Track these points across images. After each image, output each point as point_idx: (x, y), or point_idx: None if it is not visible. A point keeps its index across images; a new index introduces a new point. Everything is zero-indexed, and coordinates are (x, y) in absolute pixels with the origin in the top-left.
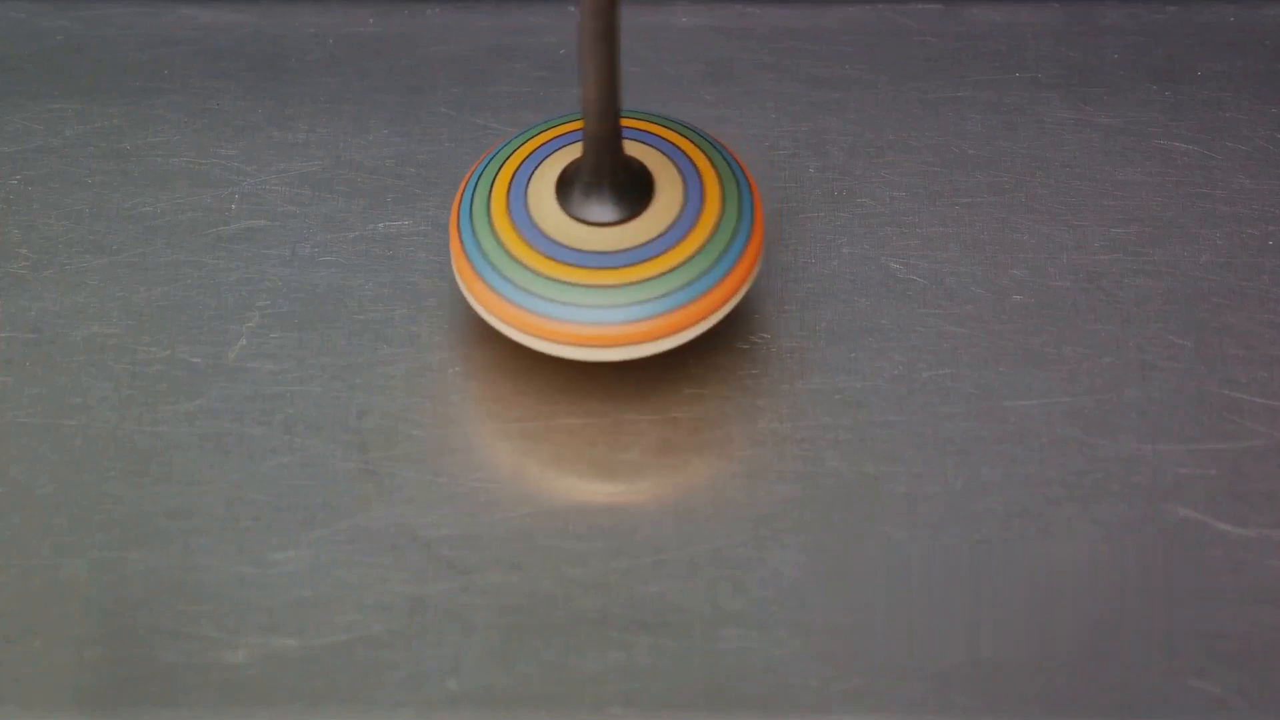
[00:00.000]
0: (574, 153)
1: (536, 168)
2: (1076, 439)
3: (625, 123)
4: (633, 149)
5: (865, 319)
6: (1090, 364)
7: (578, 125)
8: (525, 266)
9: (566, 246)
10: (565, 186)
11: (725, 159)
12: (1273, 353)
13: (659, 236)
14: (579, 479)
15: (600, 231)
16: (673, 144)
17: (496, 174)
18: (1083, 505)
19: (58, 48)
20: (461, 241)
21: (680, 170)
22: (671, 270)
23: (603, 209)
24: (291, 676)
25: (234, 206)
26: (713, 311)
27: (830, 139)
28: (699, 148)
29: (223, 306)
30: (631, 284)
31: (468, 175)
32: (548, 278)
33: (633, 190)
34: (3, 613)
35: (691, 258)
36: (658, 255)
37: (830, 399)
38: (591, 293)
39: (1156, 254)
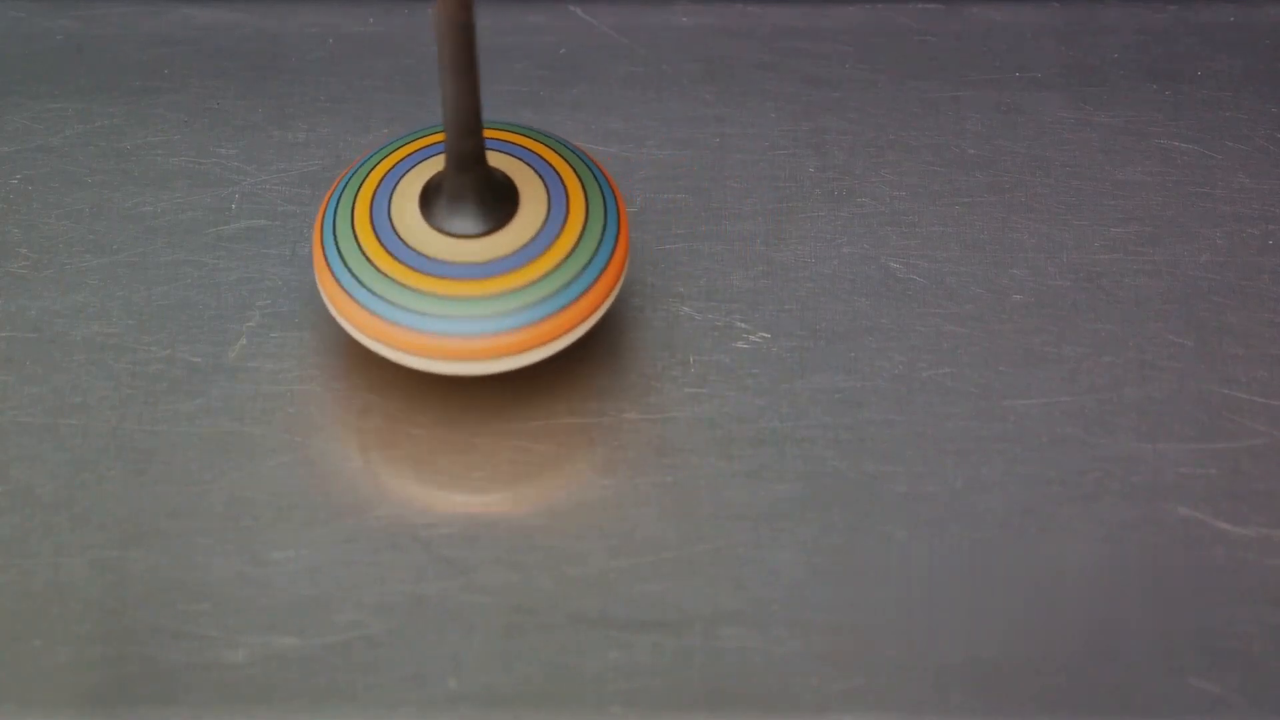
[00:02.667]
0: (438, 165)
1: (399, 181)
2: (1077, 438)
3: (489, 134)
4: (497, 160)
5: (865, 318)
6: (1090, 363)
7: (442, 137)
8: (389, 279)
9: (430, 259)
10: (429, 199)
11: (590, 169)
12: (1273, 352)
13: (522, 248)
14: (579, 478)
15: (464, 244)
16: (537, 155)
17: (359, 188)
18: (1083, 504)
19: (58, 48)
20: (325, 256)
21: (544, 181)
22: (535, 281)
23: (466, 221)
24: (292, 676)
25: (234, 206)
26: (579, 323)
27: (830, 138)
28: (564, 159)
29: (223, 306)
30: (494, 295)
31: (330, 190)
32: (411, 290)
33: (496, 202)
34: (3, 613)
35: (555, 269)
36: (521, 267)
37: (830, 398)
38: (455, 304)
39: (1157, 253)
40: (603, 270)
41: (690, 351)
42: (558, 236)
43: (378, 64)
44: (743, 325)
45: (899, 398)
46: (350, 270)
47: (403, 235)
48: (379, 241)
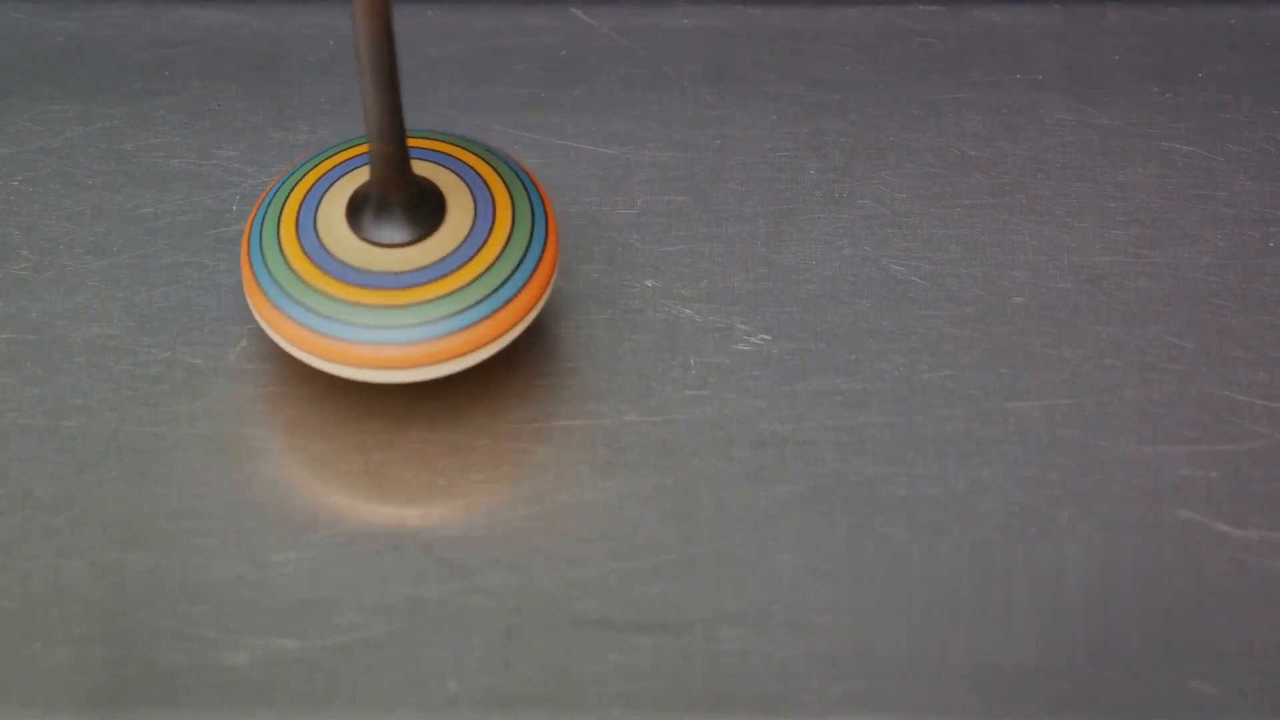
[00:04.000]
0: (366, 175)
1: (327, 191)
2: (1077, 440)
3: (415, 143)
4: (424, 169)
5: (866, 320)
6: (1091, 365)
7: (368, 148)
8: (315, 290)
9: (356, 268)
10: (355, 209)
11: (518, 175)
12: (1273, 354)
13: (449, 255)
14: (579, 479)
15: (391, 252)
16: (464, 162)
17: (286, 199)
18: (1083, 507)
19: (58, 48)
20: (252, 268)
21: (471, 188)
22: (461, 289)
23: (392, 230)
24: (292, 677)
25: (235, 208)
26: (506, 330)
27: (831, 140)
28: (491, 165)
29: (223, 308)
30: (420, 304)
31: (257, 203)
32: (337, 300)
33: (422, 210)
34: (3, 613)
35: (482, 275)
36: (448, 274)
37: (831, 400)
38: (380, 314)
39: (1157, 256)
40: (530, 277)
41: (691, 353)
42: (484, 244)
43: None
44: (743, 327)
45: (900, 400)
46: (276, 281)
47: (329, 246)
48: (304, 252)
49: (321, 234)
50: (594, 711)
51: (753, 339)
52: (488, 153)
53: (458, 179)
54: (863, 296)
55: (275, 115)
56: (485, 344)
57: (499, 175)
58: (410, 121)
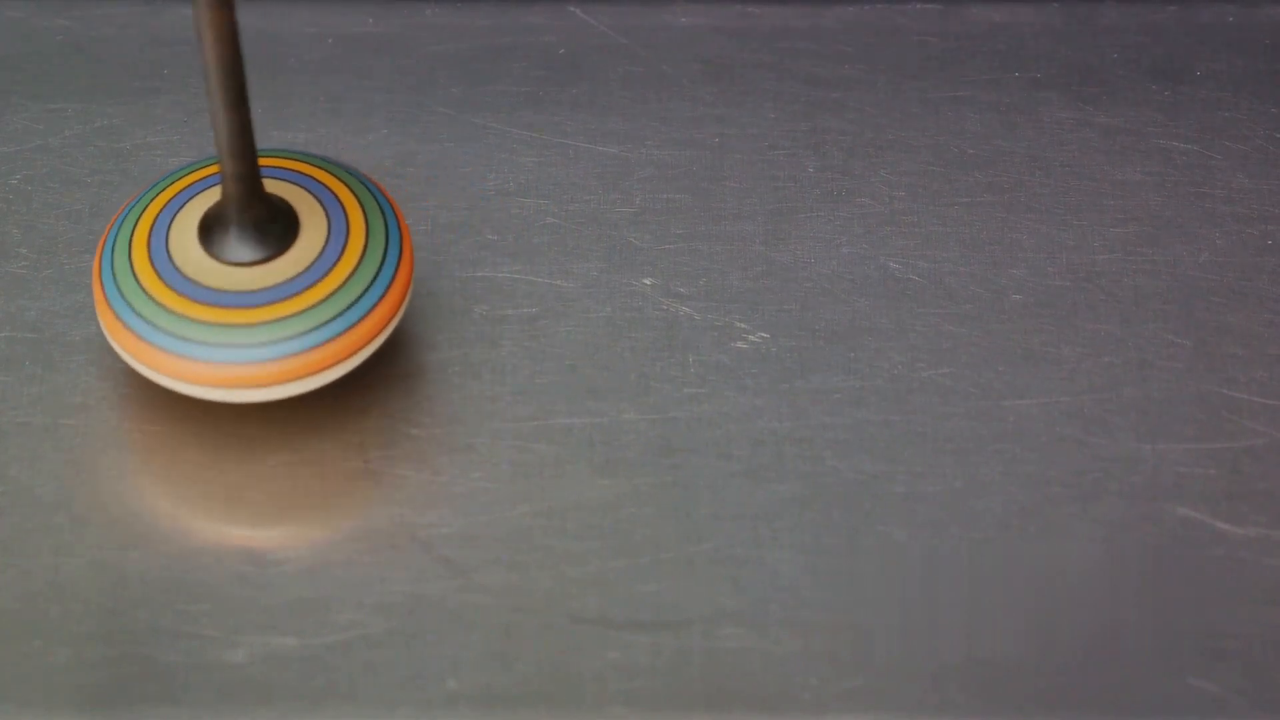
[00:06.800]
0: (219, 194)
1: (179, 210)
2: (1076, 438)
3: (268, 162)
4: (277, 187)
5: (865, 318)
6: (1089, 363)
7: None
8: (166, 309)
9: (207, 287)
10: (207, 228)
11: (371, 192)
12: (1272, 352)
13: (302, 273)
14: (578, 478)
15: (244, 271)
16: (317, 180)
17: (138, 219)
18: (1082, 505)
19: (58, 48)
20: (103, 286)
21: (324, 206)
22: (313, 306)
23: (244, 249)
24: (291, 676)
25: None
26: (361, 347)
27: (829, 138)
28: (344, 182)
29: None
30: (272, 322)
31: (110, 222)
32: (189, 319)
33: (274, 228)
34: (2, 613)
35: (334, 293)
36: (300, 292)
37: (829, 398)
38: (231, 332)
39: (1156, 253)
40: (384, 294)
41: (689, 351)
42: (336, 262)
43: (377, 64)
44: (742, 325)
45: (898, 398)
46: (126, 300)
47: (180, 265)
48: (155, 271)
49: (174, 254)
50: (593, 709)
51: (751, 337)
52: (341, 170)
53: (311, 197)
54: (861, 294)
55: (274, 114)
56: (339, 361)
57: (352, 192)
58: (411, 120)
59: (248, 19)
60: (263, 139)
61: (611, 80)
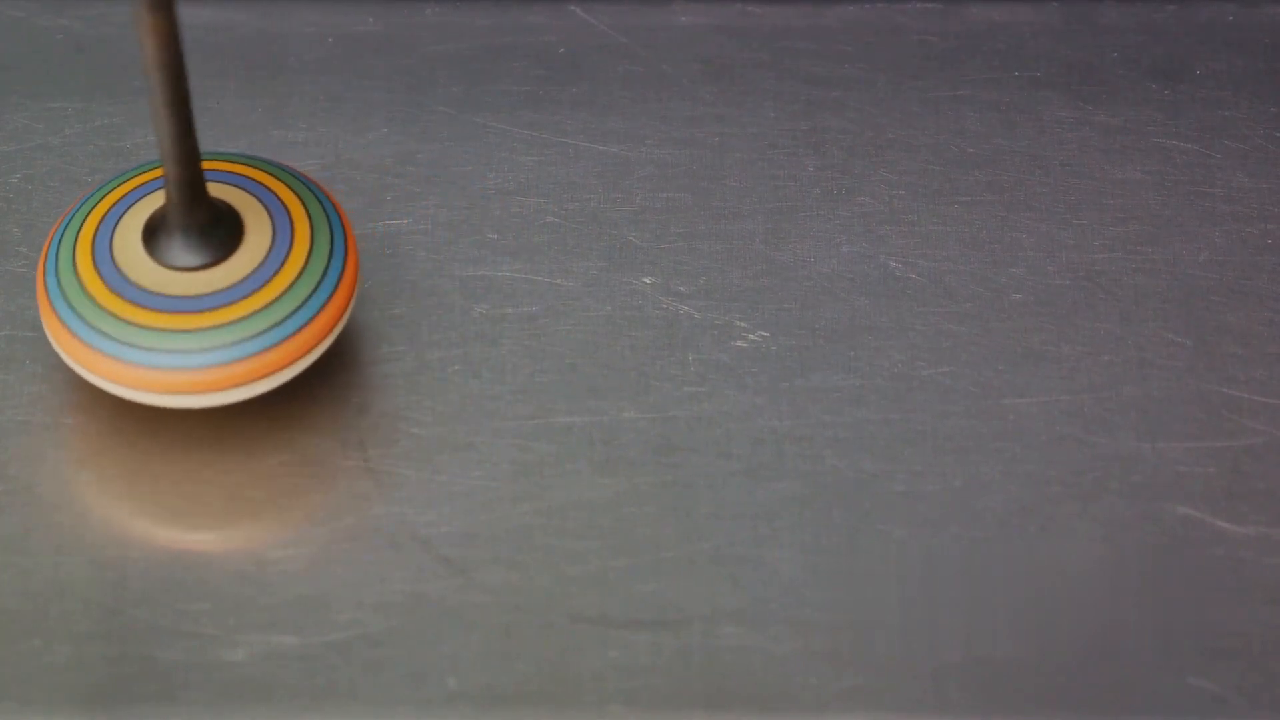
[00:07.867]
0: (162, 199)
1: (123, 215)
2: (1075, 437)
3: (213, 166)
4: (221, 191)
5: (864, 317)
6: (1089, 362)
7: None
8: (110, 314)
9: (151, 292)
10: (151, 233)
11: (315, 195)
12: (1271, 351)
13: (246, 278)
14: (578, 477)
15: (188, 276)
16: (261, 184)
17: (83, 223)
18: (1082, 503)
19: (58, 47)
20: (46, 290)
21: (269, 210)
22: (258, 311)
23: (188, 254)
24: (291, 674)
25: None
26: (305, 352)
27: (829, 138)
28: (290, 188)
29: None
30: (216, 327)
31: (55, 226)
32: (133, 324)
33: (219, 233)
34: (3, 612)
35: (279, 298)
36: (244, 297)
37: (829, 397)
38: (174, 338)
39: (1155, 252)
40: (329, 298)
41: (689, 350)
42: (280, 268)
43: (377, 64)
44: (742, 324)
45: (898, 396)
46: (69, 303)
47: (124, 269)
48: (99, 275)
49: (118, 257)
50: (593, 708)
51: (751, 336)
52: (285, 174)
53: (256, 201)
54: (861, 293)
55: (274, 114)
56: (282, 368)
57: (297, 196)
58: (411, 120)
59: (247, 17)
60: (263, 139)
61: (611, 80)
